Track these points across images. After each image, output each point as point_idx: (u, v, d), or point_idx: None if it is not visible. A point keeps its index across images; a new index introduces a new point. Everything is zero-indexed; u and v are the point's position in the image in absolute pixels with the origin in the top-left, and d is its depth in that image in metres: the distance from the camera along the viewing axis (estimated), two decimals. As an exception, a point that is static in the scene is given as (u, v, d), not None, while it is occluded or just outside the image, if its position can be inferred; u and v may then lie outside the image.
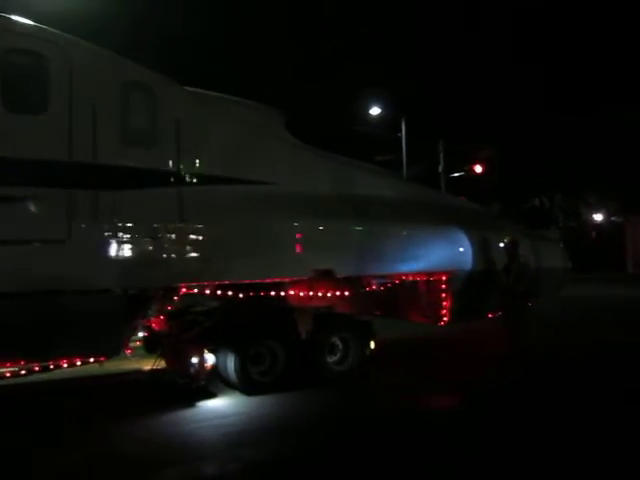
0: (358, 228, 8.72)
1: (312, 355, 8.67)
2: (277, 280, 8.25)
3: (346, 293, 8.83)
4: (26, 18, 6.93)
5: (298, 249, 8.14)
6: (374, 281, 9.22)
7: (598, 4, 39.65)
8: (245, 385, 8.15)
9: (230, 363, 8.10)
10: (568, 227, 42.15)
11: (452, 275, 9.59)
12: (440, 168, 38.66)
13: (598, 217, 42.48)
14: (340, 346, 9.04)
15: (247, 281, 8.03)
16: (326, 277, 8.36)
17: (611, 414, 6.99)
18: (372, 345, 9.20)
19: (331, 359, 8.96)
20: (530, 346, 9.16)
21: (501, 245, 9.70)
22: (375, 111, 38.80)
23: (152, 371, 8.56)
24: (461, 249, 9.74)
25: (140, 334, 8.74)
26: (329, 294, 8.62)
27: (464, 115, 42.13)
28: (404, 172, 38.52)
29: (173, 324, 8.79)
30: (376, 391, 8.44)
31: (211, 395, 8.10)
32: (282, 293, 8.44)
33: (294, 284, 8.42)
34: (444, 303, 9.64)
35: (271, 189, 8.16)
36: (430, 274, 9.63)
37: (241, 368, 8.05)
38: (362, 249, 8.62)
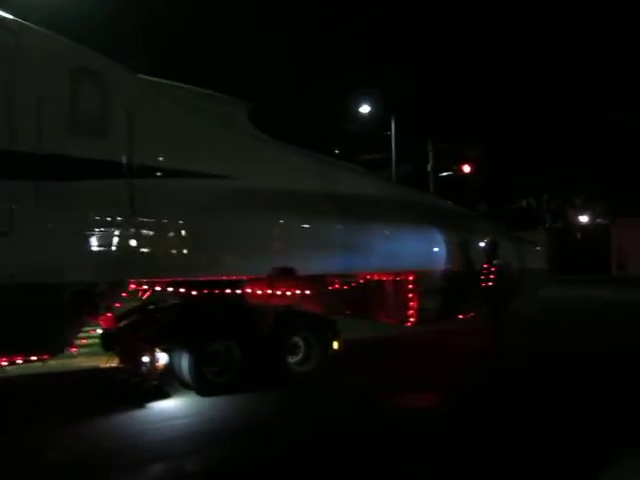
0: (321, 225, 8.37)
1: (272, 355, 8.31)
2: (233, 278, 7.89)
3: (307, 292, 8.47)
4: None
5: (256, 246, 7.78)
6: (337, 280, 8.86)
7: (586, 4, 39.45)
8: (199, 385, 7.77)
9: (184, 363, 7.72)
10: (554, 228, 41.97)
11: (420, 275, 9.25)
12: (429, 167, 38.46)
13: (584, 219, 42.36)
14: (302, 346, 8.67)
15: (201, 278, 7.67)
16: (286, 275, 8.01)
17: (575, 414, 6.79)
18: (336, 345, 8.84)
19: (293, 359, 8.59)
20: (508, 346, 8.89)
21: (481, 246, 9.43)
22: (365, 109, 38.46)
23: (104, 369, 8.19)
24: (432, 249, 9.43)
25: (99, 331, 8.45)
26: (289, 293, 8.26)
27: (453, 115, 41.86)
28: (393, 171, 38.30)
29: (127, 321, 8.48)
30: (335, 392, 8.06)
31: (164, 395, 7.70)
32: (240, 291, 8.08)
33: (252, 282, 8.06)
34: (411, 304, 9.30)
35: (230, 183, 7.78)
36: (397, 274, 9.29)
37: (195, 368, 7.67)
38: (325, 247, 8.29)
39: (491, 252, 9.23)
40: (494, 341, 8.91)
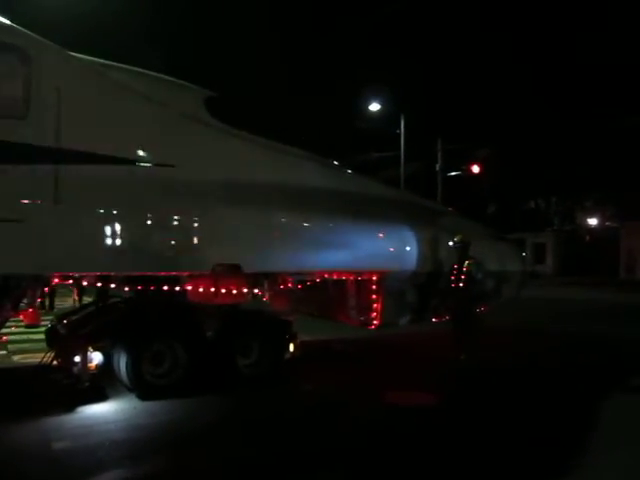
0: (272, 220, 7.61)
1: (220, 357, 7.62)
2: (173, 274, 7.20)
3: (256, 290, 7.75)
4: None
5: (198, 240, 7.06)
6: (290, 278, 8.09)
7: (599, 8, 38.19)
8: (138, 388, 7.08)
9: (122, 363, 7.05)
10: (563, 230, 40.79)
11: (385, 275, 8.46)
12: (437, 167, 37.59)
13: (593, 221, 41.06)
14: (255, 348, 7.95)
15: (135, 273, 6.99)
16: (231, 272, 7.30)
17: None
18: (291, 347, 8.12)
19: (245, 361, 7.87)
20: (475, 353, 8.10)
21: (450, 245, 8.61)
22: (374, 107, 37.61)
23: (38, 368, 7.57)
24: (398, 247, 8.60)
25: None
26: (236, 291, 7.52)
27: (463, 114, 40.91)
28: (402, 169, 37.48)
29: (72, 318, 7.86)
30: (282, 398, 7.33)
31: (101, 398, 7.05)
32: (183, 288, 7.39)
33: (195, 279, 7.35)
34: (374, 305, 8.51)
35: (170, 172, 7.04)
36: (359, 273, 8.51)
37: (133, 369, 6.97)
38: (276, 243, 7.54)
39: (461, 252, 8.41)
40: (458, 348, 8.09)
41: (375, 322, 8.58)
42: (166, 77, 7.99)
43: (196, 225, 7.06)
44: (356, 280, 8.61)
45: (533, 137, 38.86)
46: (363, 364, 9.16)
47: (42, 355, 7.65)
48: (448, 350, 8.39)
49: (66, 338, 7.34)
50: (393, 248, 8.55)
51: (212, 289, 7.33)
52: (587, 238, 40.07)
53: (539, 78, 39.98)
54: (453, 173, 38.18)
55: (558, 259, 40.33)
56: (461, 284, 8.15)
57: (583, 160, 38.13)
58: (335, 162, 9.39)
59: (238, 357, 7.79)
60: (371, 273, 8.43)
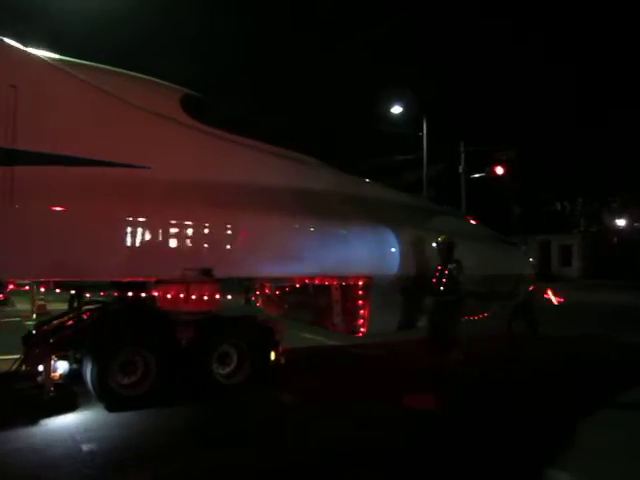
0: (251, 223, 7.10)
1: (194, 366, 7.16)
2: (140, 279, 6.77)
3: (229, 296, 7.26)
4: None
5: (169, 244, 6.61)
6: (269, 284, 7.59)
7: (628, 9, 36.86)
8: (104, 398, 6.67)
9: (88, 373, 6.64)
10: (590, 232, 39.41)
11: (371, 280, 7.87)
12: (460, 169, 36.76)
13: (621, 222, 39.54)
14: (234, 356, 7.47)
15: (100, 279, 6.59)
16: (202, 278, 6.83)
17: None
18: (273, 356, 7.62)
19: (224, 370, 7.39)
20: (456, 365, 7.46)
21: (434, 246, 7.99)
22: (397, 110, 36.92)
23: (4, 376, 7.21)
24: (386, 250, 8.01)
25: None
26: (207, 297, 7.05)
27: (487, 116, 39.95)
28: (424, 172, 36.75)
29: (44, 325, 7.51)
30: (256, 410, 6.82)
31: (65, 409, 6.65)
32: (153, 294, 6.95)
33: (165, 284, 6.90)
34: (361, 312, 7.93)
35: (140, 174, 6.64)
36: (343, 278, 7.95)
37: (99, 379, 6.56)
38: (253, 247, 7.05)
39: (445, 254, 7.73)
40: (443, 359, 7.43)
41: (362, 330, 8.00)
42: (141, 76, 7.58)
43: (169, 228, 6.61)
44: (340, 286, 8.06)
45: (558, 137, 37.73)
46: (347, 374, 8.50)
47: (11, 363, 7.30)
48: (427, 359, 7.73)
49: (33, 346, 6.98)
50: (379, 251, 7.94)
51: (182, 295, 6.87)
52: (615, 240, 38.64)
53: (564, 79, 38.78)
54: (477, 175, 37.32)
55: (585, 261, 39.00)
56: (442, 287, 7.47)
57: (610, 160, 36.80)
58: (322, 161, 8.74)
59: (216, 366, 7.34)
60: (356, 278, 7.87)
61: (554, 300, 10.73)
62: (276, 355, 7.67)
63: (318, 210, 7.58)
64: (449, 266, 7.53)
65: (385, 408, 6.68)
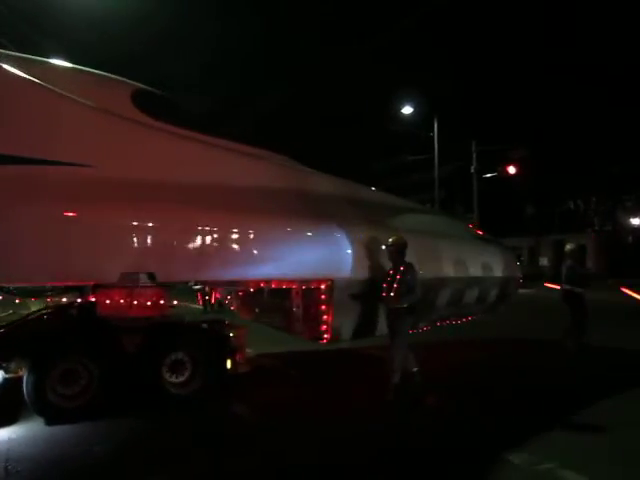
0: (196, 223, 6.53)
1: (143, 375, 6.66)
2: (78, 283, 6.28)
3: (175, 302, 6.74)
4: None
5: (107, 247, 6.11)
6: (219, 288, 7.04)
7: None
8: (41, 411, 6.21)
9: (24, 384, 6.17)
10: (604, 231, 38.19)
11: (333, 284, 7.27)
12: (472, 168, 35.95)
13: (636, 221, 38.23)
14: (189, 364, 6.95)
15: (37, 283, 6.12)
16: (144, 282, 6.32)
17: None
18: (229, 364, 7.09)
19: (177, 379, 6.88)
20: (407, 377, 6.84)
21: (383, 247, 7.30)
22: (407, 110, 36.25)
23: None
24: (349, 252, 7.36)
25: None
26: (152, 303, 6.53)
27: (498, 115, 39.01)
28: (436, 172, 36.04)
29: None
30: (202, 422, 6.27)
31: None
32: (93, 300, 6.47)
33: (106, 289, 6.40)
34: (324, 317, 7.34)
35: (81, 173, 6.15)
36: (303, 282, 7.37)
37: (36, 391, 6.11)
38: (200, 249, 6.48)
39: (395, 256, 6.99)
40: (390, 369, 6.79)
41: (326, 336, 7.41)
42: (89, 70, 7.10)
43: (109, 230, 6.10)
44: (301, 290, 7.49)
45: (572, 136, 36.66)
46: (306, 383, 7.96)
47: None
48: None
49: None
50: (342, 253, 7.31)
51: (123, 300, 6.38)
52: (629, 239, 37.38)
53: (577, 76, 37.67)
54: (488, 175, 36.48)
55: (599, 261, 37.82)
56: (392, 294, 6.81)
57: (624, 158, 35.59)
58: (286, 158, 8.12)
59: (168, 375, 6.82)
60: (317, 282, 7.28)
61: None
62: (234, 363, 7.13)
63: (272, 209, 7.00)
64: (400, 270, 6.85)
65: (347, 426, 6.08)
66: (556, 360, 9.09)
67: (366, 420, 6.22)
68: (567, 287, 9.29)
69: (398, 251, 6.90)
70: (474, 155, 35.68)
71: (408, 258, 7.10)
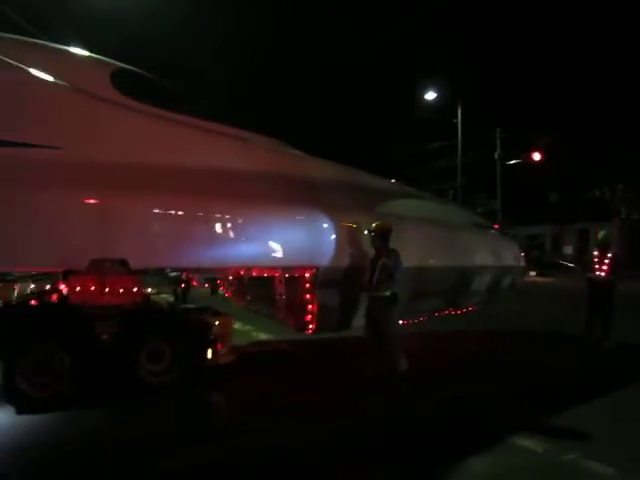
0: (172, 208, 6.16)
1: (118, 364, 6.39)
2: (48, 270, 6.02)
3: (150, 289, 6.43)
4: None
5: (77, 232, 5.82)
6: (196, 276, 6.71)
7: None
8: (12, 401, 5.98)
9: (-6, 373, 5.95)
10: (630, 219, 36.91)
11: (319, 272, 6.87)
12: (496, 155, 35.06)
13: (664, 210, 36.89)
14: (168, 353, 6.65)
15: (3, 270, 5.86)
16: (116, 269, 6.02)
17: None
18: (210, 353, 6.78)
19: (154, 368, 6.59)
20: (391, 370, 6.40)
21: (366, 233, 6.85)
22: (431, 96, 35.41)
23: None
24: (336, 239, 6.91)
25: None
26: (125, 290, 6.23)
27: (524, 101, 37.88)
28: (459, 158, 35.28)
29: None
30: (176, 412, 5.99)
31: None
32: (64, 286, 6.20)
33: (77, 276, 6.12)
34: (309, 307, 6.96)
35: (51, 155, 5.85)
36: (286, 270, 6.98)
37: (5, 379, 5.86)
38: (175, 235, 6.16)
39: (378, 243, 6.53)
40: (371, 362, 6.36)
41: (311, 326, 7.04)
42: (64, 48, 6.79)
43: (80, 214, 5.80)
44: (285, 278, 7.12)
45: (597, 122, 35.40)
46: (284, 375, 7.52)
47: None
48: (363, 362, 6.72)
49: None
50: (328, 240, 6.90)
51: (95, 287, 6.09)
52: (658, 228, 36.06)
53: (604, 61, 36.27)
54: (512, 161, 35.55)
55: (625, 250, 36.60)
56: (375, 281, 6.38)
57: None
58: (273, 139, 7.66)
59: (146, 363, 6.55)
60: (302, 270, 6.90)
61: None
62: (215, 353, 6.82)
63: (254, 193, 6.60)
64: (383, 257, 6.41)
65: (329, 420, 5.72)
66: (578, 354, 8.68)
67: (353, 412, 5.85)
68: (607, 278, 8.93)
69: (381, 237, 6.46)
70: (498, 142, 34.78)
71: (398, 245, 6.66)
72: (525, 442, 5.01)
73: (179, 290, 10.83)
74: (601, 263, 9.03)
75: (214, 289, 10.22)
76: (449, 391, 6.63)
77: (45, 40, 7.22)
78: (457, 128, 35.65)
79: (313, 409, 6.03)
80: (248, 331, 9.86)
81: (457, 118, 35.51)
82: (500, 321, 11.56)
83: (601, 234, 9.54)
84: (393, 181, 9.54)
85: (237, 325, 8.73)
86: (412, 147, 41.97)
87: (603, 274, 8.98)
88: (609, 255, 9.06)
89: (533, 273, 30.75)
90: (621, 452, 4.82)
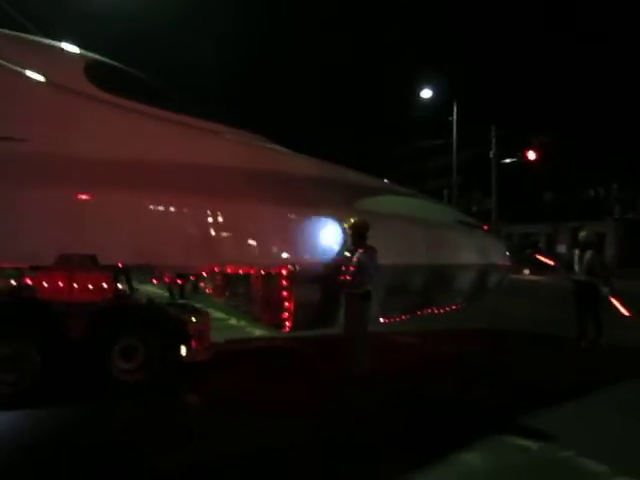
0: (141, 203, 6.00)
1: (89, 361, 6.22)
2: (14, 265, 5.84)
3: (120, 286, 6.26)
4: None
5: (43, 227, 5.64)
6: (168, 273, 6.54)
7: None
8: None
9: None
10: (624, 219, 36.78)
11: (296, 270, 6.70)
12: (491, 154, 34.90)
13: (658, 209, 36.70)
14: (142, 350, 6.48)
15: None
16: (84, 265, 5.85)
17: None
18: (184, 351, 6.61)
19: (126, 366, 6.43)
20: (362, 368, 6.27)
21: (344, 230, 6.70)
22: (426, 94, 35.24)
23: None
24: (313, 236, 6.79)
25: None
26: (94, 286, 6.05)
27: (519, 100, 37.73)
28: (454, 156, 35.10)
29: None
30: (148, 411, 5.81)
31: None
32: (31, 282, 6.03)
33: (44, 272, 5.94)
34: (285, 305, 6.79)
35: (16, 148, 5.68)
36: (262, 267, 6.80)
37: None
38: (145, 231, 5.99)
39: (355, 240, 6.41)
40: (354, 362, 6.20)
41: (287, 324, 6.88)
42: (35, 38, 6.61)
43: (44, 208, 5.63)
44: (261, 275, 6.95)
45: (593, 123, 35.27)
46: (261, 373, 7.28)
47: None
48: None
49: None
50: (305, 237, 6.74)
51: (63, 283, 5.92)
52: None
53: (599, 61, 36.09)
54: (507, 160, 35.40)
55: (619, 249, 36.52)
56: (349, 278, 6.22)
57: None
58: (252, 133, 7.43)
59: (118, 361, 6.37)
60: (278, 267, 6.73)
61: (623, 311, 9.13)
62: (190, 350, 6.66)
63: (229, 189, 6.41)
64: (358, 253, 6.25)
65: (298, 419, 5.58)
66: (572, 353, 8.63)
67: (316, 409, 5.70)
68: (586, 278, 8.74)
69: (358, 234, 6.32)
70: (493, 140, 34.63)
71: (378, 242, 6.51)
72: (519, 440, 4.95)
73: (175, 286, 10.56)
74: (581, 263, 8.87)
75: (195, 286, 10.07)
76: (441, 389, 6.54)
77: (40, 34, 7.02)
78: (452, 126, 35.48)
79: (294, 406, 5.90)
80: (242, 327, 9.69)
81: (452, 116, 35.35)
82: (493, 320, 11.44)
83: (582, 234, 9.30)
84: (386, 181, 9.35)
85: (232, 321, 8.59)
86: (408, 145, 41.83)
87: (582, 275, 8.82)
88: (586, 255, 8.88)
89: (527, 271, 30.60)
90: (615, 450, 4.79)
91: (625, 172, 35.89)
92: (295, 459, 4.58)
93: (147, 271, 6.38)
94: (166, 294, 10.90)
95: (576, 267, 8.89)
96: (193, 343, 6.71)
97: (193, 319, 6.84)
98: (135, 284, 7.07)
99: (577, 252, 9.04)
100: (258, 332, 9.13)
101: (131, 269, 6.42)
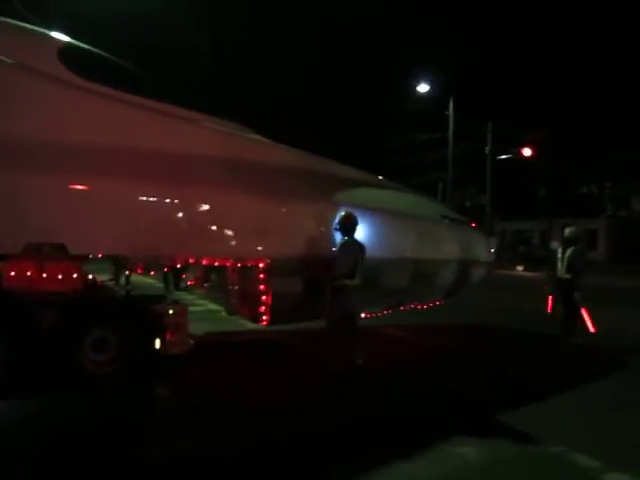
0: (112, 192, 5.74)
1: (59, 353, 6.00)
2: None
3: (90, 276, 6.05)
4: None
5: (7, 215, 5.42)
6: (140, 263, 6.33)
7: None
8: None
9: None
10: (617, 216, 36.70)
11: (273, 263, 6.49)
12: (487, 150, 34.75)
13: (650, 207, 36.62)
14: (114, 343, 6.27)
15: None
16: (53, 254, 5.64)
17: None
18: (158, 344, 6.41)
19: (98, 358, 6.21)
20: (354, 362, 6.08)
21: (329, 225, 6.52)
22: (423, 88, 35.00)
23: None
24: (290, 229, 6.60)
25: None
26: (64, 276, 5.84)
27: (514, 96, 37.50)
28: (449, 151, 34.89)
29: None
30: (118, 405, 5.64)
31: None
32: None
33: (9, 261, 5.72)
34: (263, 298, 6.59)
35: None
36: (239, 259, 6.58)
37: None
38: (116, 221, 5.76)
39: (344, 232, 6.21)
40: (342, 356, 6.03)
41: (264, 317, 6.68)
42: (5, 20, 6.33)
43: (5, 197, 5.41)
44: (237, 268, 6.74)
45: (588, 120, 35.09)
46: (241, 367, 7.13)
47: None
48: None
49: None
50: (282, 229, 6.53)
51: (30, 273, 5.71)
52: (644, 225, 35.86)
53: (594, 59, 35.86)
54: (503, 156, 35.28)
55: (611, 246, 36.49)
56: (333, 272, 6.04)
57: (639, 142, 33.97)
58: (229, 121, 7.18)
59: (90, 353, 6.16)
60: (255, 260, 6.51)
61: (590, 326, 8.73)
62: (164, 343, 6.45)
63: (204, 178, 6.19)
64: (343, 247, 6.06)
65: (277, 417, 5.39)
66: (562, 349, 8.50)
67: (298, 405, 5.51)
68: (567, 276, 8.62)
69: (345, 228, 6.15)
70: (489, 136, 34.47)
71: (359, 236, 6.33)
72: (510, 435, 4.87)
73: (170, 276, 10.30)
74: (562, 260, 8.73)
75: (176, 277, 9.86)
76: (431, 384, 6.45)
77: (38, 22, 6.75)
78: (448, 120, 35.27)
79: (277, 399, 5.75)
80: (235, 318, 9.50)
81: (449, 110, 35.14)
82: (482, 316, 11.29)
83: (567, 230, 9.13)
84: (380, 177, 9.15)
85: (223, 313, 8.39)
86: (404, 138, 41.63)
87: (563, 271, 8.68)
88: (567, 252, 8.72)
89: (520, 268, 30.52)
90: (605, 445, 4.70)
91: (619, 170, 35.76)
92: (277, 454, 4.43)
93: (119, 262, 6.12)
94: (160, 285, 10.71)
95: (558, 264, 8.76)
96: (169, 335, 6.50)
97: (170, 311, 6.63)
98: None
99: (560, 249, 8.90)
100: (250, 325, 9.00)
101: (102, 259, 6.17)
